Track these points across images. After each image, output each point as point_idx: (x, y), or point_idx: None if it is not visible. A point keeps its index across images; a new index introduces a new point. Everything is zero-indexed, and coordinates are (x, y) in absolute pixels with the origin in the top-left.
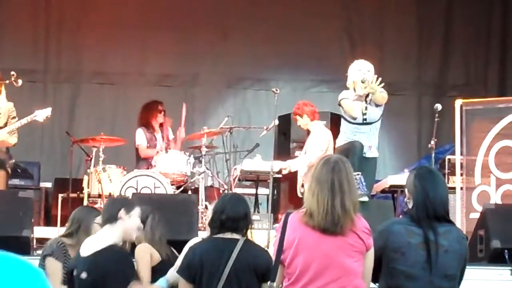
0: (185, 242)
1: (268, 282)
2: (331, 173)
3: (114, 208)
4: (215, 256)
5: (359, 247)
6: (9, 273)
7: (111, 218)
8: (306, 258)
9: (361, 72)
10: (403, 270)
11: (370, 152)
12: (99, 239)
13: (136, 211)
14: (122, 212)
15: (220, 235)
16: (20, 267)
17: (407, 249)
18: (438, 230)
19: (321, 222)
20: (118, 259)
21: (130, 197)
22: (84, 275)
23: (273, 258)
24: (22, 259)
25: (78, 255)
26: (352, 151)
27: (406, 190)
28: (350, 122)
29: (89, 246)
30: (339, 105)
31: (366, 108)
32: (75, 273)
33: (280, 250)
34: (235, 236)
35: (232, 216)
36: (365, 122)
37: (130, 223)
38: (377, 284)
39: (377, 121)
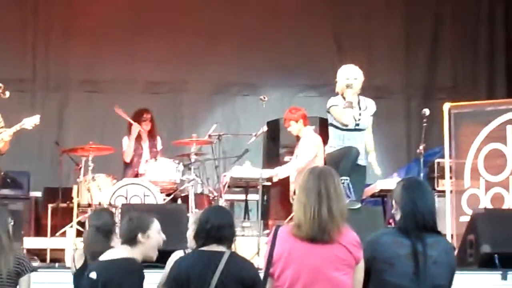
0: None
1: None
2: (318, 180)
3: (131, 233)
4: (201, 269)
5: (348, 260)
6: None
7: (129, 241)
8: (294, 271)
9: (349, 80)
10: (391, 281)
11: (361, 160)
12: (119, 252)
13: (154, 228)
14: (139, 237)
15: (205, 248)
16: None
17: (395, 260)
18: (427, 241)
19: (308, 231)
20: (131, 270)
21: (145, 214)
22: (94, 275)
23: (263, 271)
24: None
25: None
26: (347, 156)
27: (393, 201)
28: (341, 129)
29: (109, 255)
30: (328, 112)
31: (360, 114)
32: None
33: (269, 262)
34: (221, 248)
35: (217, 226)
36: (357, 128)
37: (149, 243)
38: None
39: (366, 129)
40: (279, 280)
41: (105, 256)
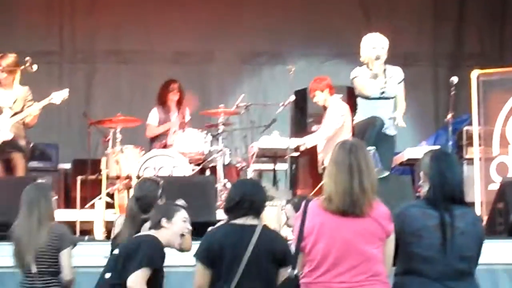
0: (204, 224)
1: (289, 270)
2: (348, 154)
3: (157, 217)
4: (234, 241)
5: (379, 233)
6: None
7: (155, 225)
8: (326, 245)
9: (375, 50)
10: (419, 253)
11: (389, 129)
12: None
13: (179, 217)
14: (163, 221)
15: (238, 221)
16: None
17: (423, 232)
18: (454, 212)
19: (339, 204)
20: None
21: (178, 202)
22: (117, 251)
23: (293, 244)
24: None
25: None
26: (372, 124)
27: (421, 172)
28: (367, 98)
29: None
30: (352, 83)
31: (385, 83)
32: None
33: (300, 237)
34: (253, 221)
35: (250, 200)
36: (383, 97)
37: (172, 229)
38: (394, 267)
39: (394, 97)
40: (310, 254)
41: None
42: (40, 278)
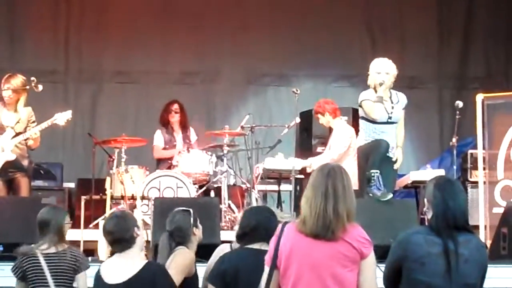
0: (207, 246)
1: None
2: (326, 178)
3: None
4: (251, 266)
5: (352, 256)
6: None
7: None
8: (297, 268)
9: (380, 75)
10: (423, 280)
11: (392, 153)
12: None
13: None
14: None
15: (252, 246)
16: None
17: (427, 259)
18: (458, 239)
19: (312, 227)
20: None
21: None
22: None
23: (267, 265)
24: None
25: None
26: (377, 148)
27: (425, 200)
28: (373, 122)
29: None
30: (360, 106)
31: (392, 108)
32: None
33: (274, 257)
34: (265, 247)
35: (265, 228)
36: (389, 121)
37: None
38: None
39: (398, 121)
40: (284, 278)
41: None
42: None
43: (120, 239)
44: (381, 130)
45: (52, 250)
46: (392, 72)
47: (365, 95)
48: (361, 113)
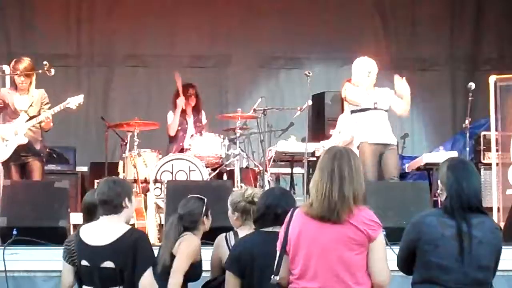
0: (220, 228)
1: (272, 276)
2: (332, 160)
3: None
4: (266, 250)
5: (359, 239)
6: None
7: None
8: (306, 253)
9: (371, 74)
10: (437, 262)
11: (389, 139)
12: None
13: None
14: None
15: (267, 229)
16: None
17: (440, 241)
18: (472, 221)
19: (318, 209)
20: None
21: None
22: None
23: (278, 250)
24: None
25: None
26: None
27: (439, 182)
28: (360, 110)
29: None
30: (345, 99)
31: (377, 97)
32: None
33: (284, 242)
34: (278, 229)
35: (282, 211)
36: (376, 108)
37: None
38: (412, 276)
39: (387, 110)
40: (293, 263)
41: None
42: None
43: (108, 202)
44: (369, 116)
45: None
46: (374, 71)
47: (346, 86)
48: (347, 108)
